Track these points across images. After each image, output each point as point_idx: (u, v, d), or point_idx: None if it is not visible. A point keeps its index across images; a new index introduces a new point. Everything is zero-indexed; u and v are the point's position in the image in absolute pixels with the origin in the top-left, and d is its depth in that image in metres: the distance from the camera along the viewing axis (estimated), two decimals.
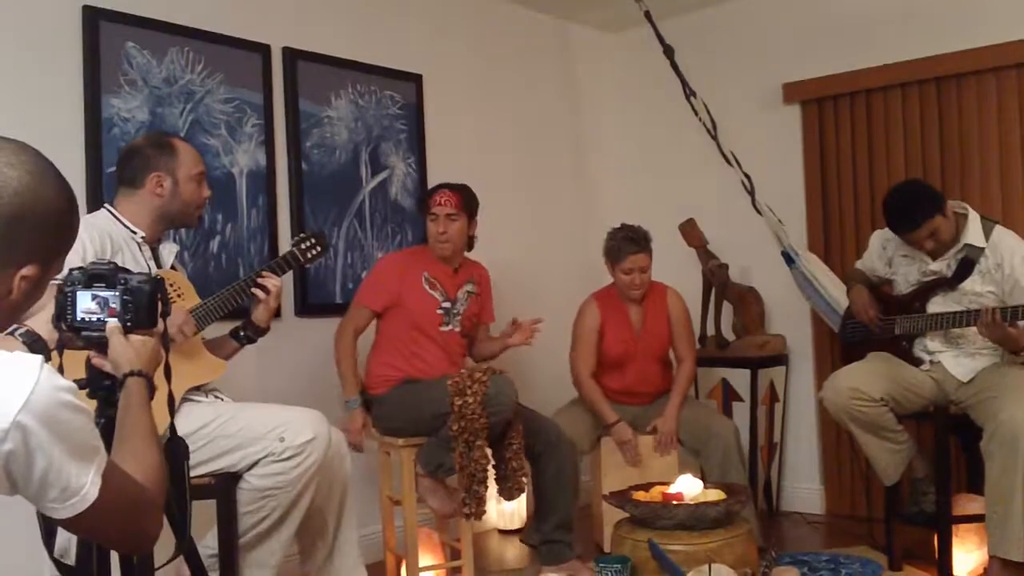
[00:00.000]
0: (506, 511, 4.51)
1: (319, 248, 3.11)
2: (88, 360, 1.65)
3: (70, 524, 1.34)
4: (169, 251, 2.86)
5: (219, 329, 2.95)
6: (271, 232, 3.78)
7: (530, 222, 4.91)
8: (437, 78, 4.47)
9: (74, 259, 2.35)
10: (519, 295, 4.66)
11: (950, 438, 3.58)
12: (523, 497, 4.29)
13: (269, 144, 3.81)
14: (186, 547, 1.83)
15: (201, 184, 2.86)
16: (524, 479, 3.45)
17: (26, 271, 1.32)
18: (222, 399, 2.86)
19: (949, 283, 3.53)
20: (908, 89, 4.41)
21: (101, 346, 1.64)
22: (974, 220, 3.50)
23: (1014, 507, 3.16)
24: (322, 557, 2.95)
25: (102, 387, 1.65)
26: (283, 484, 2.69)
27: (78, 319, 1.62)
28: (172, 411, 1.81)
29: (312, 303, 3.92)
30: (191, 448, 2.55)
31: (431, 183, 4.35)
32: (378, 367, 3.64)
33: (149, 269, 2.69)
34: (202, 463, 2.65)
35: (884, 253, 3.77)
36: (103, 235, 2.63)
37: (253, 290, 2.90)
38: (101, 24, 3.31)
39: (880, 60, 4.44)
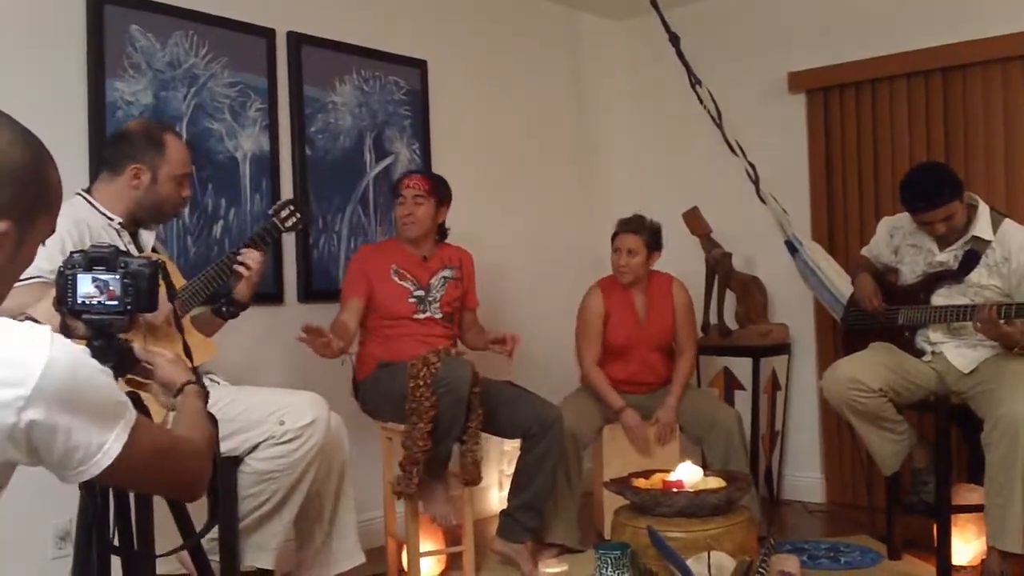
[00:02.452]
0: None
1: (299, 215, 3.08)
2: (88, 340, 1.65)
3: (104, 480, 1.34)
4: (148, 235, 2.84)
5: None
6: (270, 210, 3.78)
7: (535, 209, 4.90)
8: (442, 64, 4.46)
9: (54, 251, 2.31)
10: (523, 282, 4.67)
11: (951, 428, 3.58)
12: None
13: (273, 129, 3.81)
14: (222, 518, 1.85)
15: (183, 184, 2.83)
16: (480, 465, 3.47)
17: None
18: (219, 383, 2.87)
19: (955, 275, 3.52)
20: (914, 79, 4.39)
21: (101, 329, 1.64)
22: (984, 213, 3.48)
23: (1013, 499, 3.17)
24: (319, 541, 2.96)
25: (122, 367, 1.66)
26: (284, 467, 2.71)
27: (79, 302, 1.62)
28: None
29: (315, 289, 3.93)
30: None
31: (435, 169, 4.36)
32: (361, 355, 3.70)
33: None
34: None
35: (891, 241, 3.76)
36: (80, 225, 2.61)
37: (236, 267, 2.90)
38: (105, 7, 3.31)
39: (886, 50, 4.42)
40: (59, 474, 1.29)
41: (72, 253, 1.64)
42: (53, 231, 1.40)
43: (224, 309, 2.98)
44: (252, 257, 2.92)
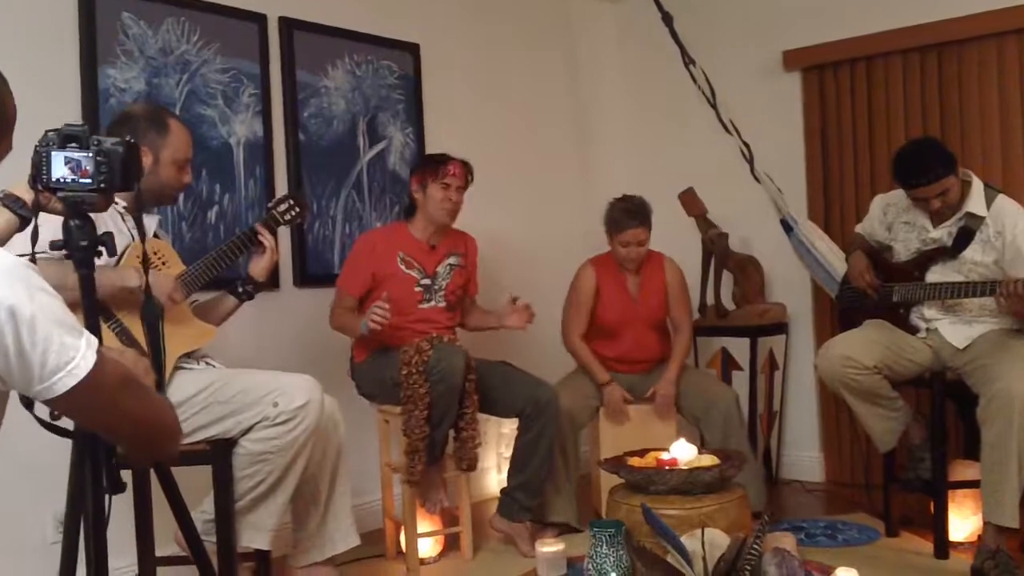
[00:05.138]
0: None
1: (298, 209, 3.12)
2: (64, 219, 1.68)
3: (71, 405, 1.30)
4: (151, 221, 2.85)
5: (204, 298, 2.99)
6: (268, 202, 3.79)
7: (529, 191, 4.90)
8: (435, 48, 4.46)
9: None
10: (518, 265, 4.67)
11: (946, 404, 3.59)
12: None
13: (266, 114, 3.81)
14: None
15: (183, 170, 2.83)
16: (477, 450, 3.53)
17: None
18: (214, 366, 2.88)
19: (949, 252, 3.51)
20: (909, 56, 4.38)
21: (76, 207, 1.67)
22: (977, 189, 3.47)
23: (1008, 474, 3.16)
24: (315, 524, 2.98)
25: (78, 248, 1.67)
26: (278, 448, 2.72)
27: (54, 179, 1.66)
28: (158, 354, 1.83)
29: (311, 273, 3.94)
30: (185, 415, 2.60)
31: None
32: (359, 338, 3.67)
33: (132, 238, 2.69)
34: (198, 429, 2.68)
35: (885, 218, 3.75)
36: None
37: (259, 238, 2.96)
38: None
39: (881, 26, 4.41)
40: (31, 390, 1.26)
41: (47, 131, 1.67)
42: (10, 149, 1.46)
43: (242, 289, 3.01)
44: (269, 238, 2.98)
